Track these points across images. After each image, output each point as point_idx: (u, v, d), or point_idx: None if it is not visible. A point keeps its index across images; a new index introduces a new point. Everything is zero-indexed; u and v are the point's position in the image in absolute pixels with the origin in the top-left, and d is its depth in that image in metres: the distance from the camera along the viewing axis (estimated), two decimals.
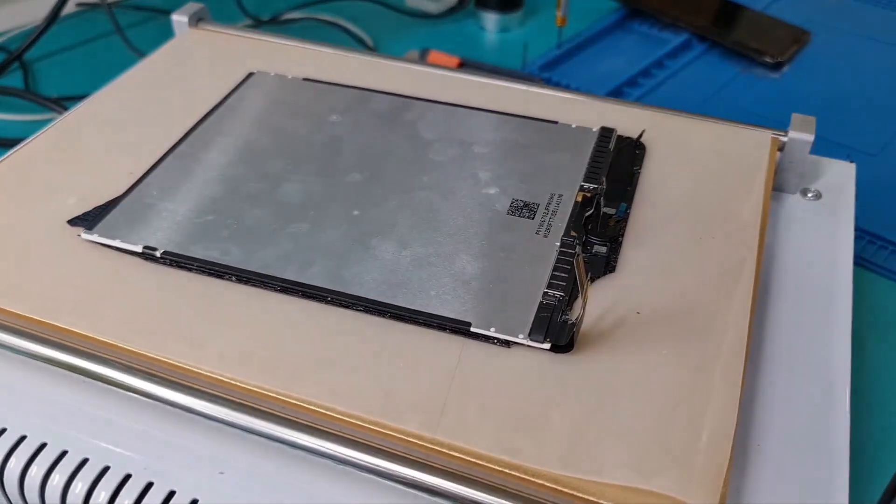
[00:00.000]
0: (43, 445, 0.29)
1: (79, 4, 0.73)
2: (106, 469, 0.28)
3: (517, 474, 0.25)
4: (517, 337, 0.29)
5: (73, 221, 0.34)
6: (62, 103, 0.59)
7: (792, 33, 0.67)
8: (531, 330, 0.29)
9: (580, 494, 0.25)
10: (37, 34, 0.63)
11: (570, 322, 0.29)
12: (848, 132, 0.56)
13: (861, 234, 0.48)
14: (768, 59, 0.64)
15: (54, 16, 0.63)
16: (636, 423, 0.27)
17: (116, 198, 0.35)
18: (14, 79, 0.64)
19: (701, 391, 0.28)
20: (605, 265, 0.32)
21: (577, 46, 0.66)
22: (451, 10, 0.73)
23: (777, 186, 0.39)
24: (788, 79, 0.63)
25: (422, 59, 0.64)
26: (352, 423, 0.27)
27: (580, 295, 0.28)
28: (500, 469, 0.25)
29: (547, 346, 0.29)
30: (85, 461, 0.28)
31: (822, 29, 0.68)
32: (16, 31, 0.70)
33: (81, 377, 0.29)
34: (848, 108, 0.59)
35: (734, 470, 0.27)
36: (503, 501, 0.25)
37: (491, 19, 0.71)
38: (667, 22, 0.69)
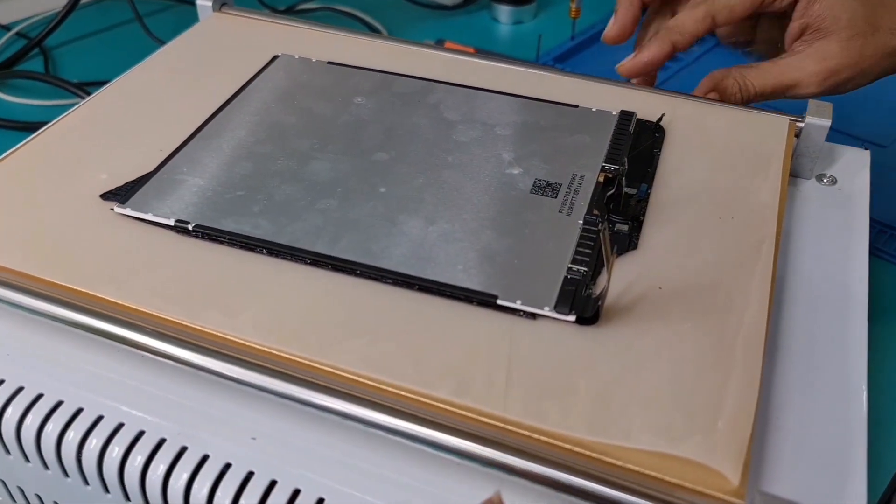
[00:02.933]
0: (79, 411, 0.29)
1: None
2: (141, 434, 0.29)
3: (545, 439, 0.26)
4: (543, 309, 0.30)
5: (106, 196, 0.35)
6: (84, 88, 0.59)
7: None
8: (557, 303, 0.30)
9: (607, 459, 0.25)
10: (57, 21, 0.64)
11: (594, 296, 0.30)
12: (860, 124, 0.57)
13: (873, 223, 0.48)
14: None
15: (74, 3, 0.64)
16: (660, 391, 0.27)
17: (147, 174, 0.36)
18: (34, 65, 0.65)
19: (723, 362, 0.28)
20: (627, 243, 0.33)
21: (590, 38, 0.66)
22: (466, 2, 0.74)
23: (793, 172, 0.40)
24: None
25: None
26: (383, 389, 0.27)
27: (606, 267, 0.29)
28: (529, 434, 0.26)
29: (572, 318, 0.29)
30: (120, 426, 0.29)
31: None
32: (37, 18, 0.71)
33: (117, 344, 0.30)
34: (860, 99, 0.59)
35: (755, 442, 0.28)
36: (531, 464, 0.25)
37: (505, 11, 0.72)
38: None
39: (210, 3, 0.48)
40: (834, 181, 0.40)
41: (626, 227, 0.34)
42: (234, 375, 0.28)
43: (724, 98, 0.42)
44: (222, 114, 0.39)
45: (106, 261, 0.32)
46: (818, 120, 0.39)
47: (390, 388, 0.27)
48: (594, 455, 0.26)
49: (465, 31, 0.71)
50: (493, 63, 0.45)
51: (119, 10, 0.71)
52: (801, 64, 0.41)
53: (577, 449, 0.26)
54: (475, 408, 0.27)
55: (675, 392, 0.27)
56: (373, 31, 0.70)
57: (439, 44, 0.65)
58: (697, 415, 0.27)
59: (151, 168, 0.36)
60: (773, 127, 0.40)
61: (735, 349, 0.29)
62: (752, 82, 0.41)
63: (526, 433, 0.26)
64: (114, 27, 0.71)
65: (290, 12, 0.73)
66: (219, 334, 0.29)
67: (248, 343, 0.29)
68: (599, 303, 0.29)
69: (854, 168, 0.41)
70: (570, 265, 0.31)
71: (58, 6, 0.64)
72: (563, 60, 0.64)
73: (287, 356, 0.29)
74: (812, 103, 0.40)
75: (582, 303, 0.30)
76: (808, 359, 0.31)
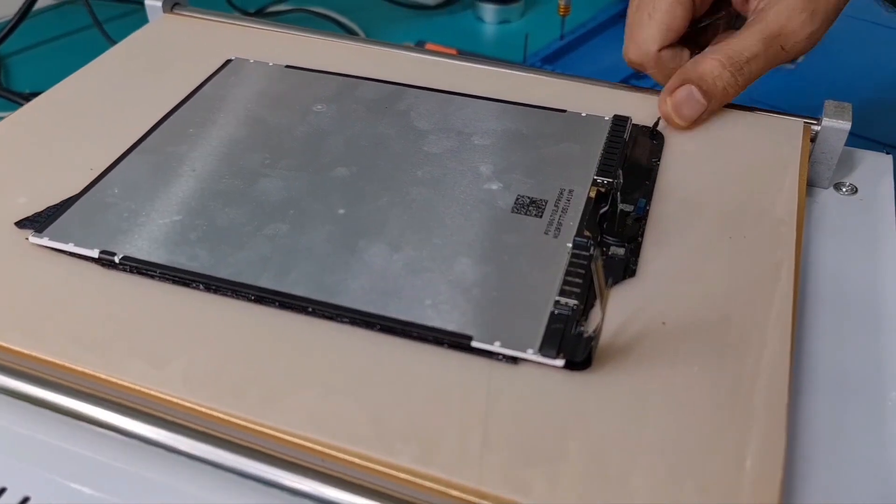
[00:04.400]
0: None
1: None
2: None
3: None
4: (526, 352, 0.25)
5: (22, 223, 0.30)
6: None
7: None
8: (542, 344, 0.25)
9: None
10: (8, 28, 0.59)
11: (586, 335, 0.25)
12: (878, 125, 0.52)
13: None
14: None
15: (27, 9, 0.60)
16: (667, 453, 0.23)
17: (72, 196, 0.31)
18: None
19: (741, 414, 0.24)
20: (624, 269, 0.29)
21: (580, 37, 0.63)
22: (448, 1, 0.70)
23: (808, 181, 0.35)
24: (803, 69, 0.59)
25: None
26: (334, 455, 0.23)
27: (598, 303, 0.25)
28: None
29: (560, 362, 0.25)
30: (26, 500, 0.24)
31: None
32: None
33: (24, 403, 0.25)
34: (868, 99, 0.55)
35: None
36: None
37: (489, 10, 0.68)
38: None
39: (160, 3, 0.43)
40: (854, 190, 0.36)
41: (622, 251, 0.29)
42: (161, 440, 0.24)
43: (707, 90, 0.35)
44: (163, 126, 0.35)
45: (14, 302, 0.27)
46: (836, 122, 0.35)
47: (342, 455, 0.23)
48: None
49: (448, 31, 0.67)
50: (471, 64, 0.40)
51: (77, 16, 0.67)
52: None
53: None
54: (443, 479, 0.22)
55: (685, 455, 0.23)
56: (349, 33, 0.66)
57: (419, 46, 0.61)
58: (713, 481, 0.22)
59: (79, 190, 0.32)
60: (785, 131, 0.35)
61: (754, 396, 0.24)
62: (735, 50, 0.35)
63: None
64: (72, 33, 0.66)
65: (261, 15, 0.68)
66: (142, 389, 0.25)
67: (175, 399, 0.24)
68: (592, 343, 0.25)
69: (875, 174, 0.37)
70: (557, 298, 0.27)
71: (11, 13, 0.60)
72: (551, 61, 0.60)
73: (223, 416, 0.24)
74: (829, 104, 0.35)
75: (572, 344, 0.25)
76: (838, 397, 0.27)
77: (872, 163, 0.37)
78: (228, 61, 0.40)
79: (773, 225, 0.30)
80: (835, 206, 0.35)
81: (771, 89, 0.57)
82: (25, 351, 0.26)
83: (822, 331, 0.29)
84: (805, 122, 0.36)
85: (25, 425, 0.26)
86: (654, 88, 0.39)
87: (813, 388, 0.27)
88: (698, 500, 0.22)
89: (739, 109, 0.37)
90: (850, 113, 0.35)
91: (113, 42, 0.62)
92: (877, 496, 0.24)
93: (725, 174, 0.33)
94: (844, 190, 0.36)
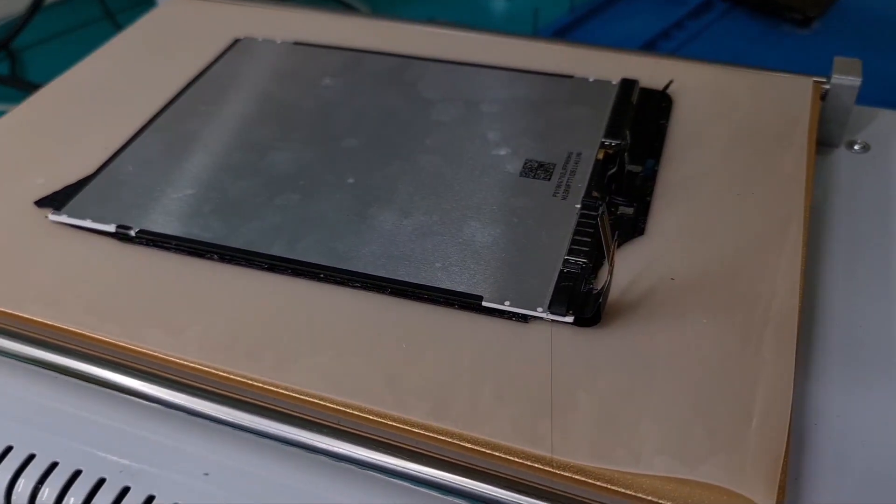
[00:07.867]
0: (8, 449, 0.26)
1: None
2: (77, 473, 0.25)
3: (541, 466, 0.22)
4: (536, 310, 0.25)
5: (41, 202, 0.31)
6: None
7: None
8: (551, 302, 0.25)
9: (615, 488, 0.21)
10: (22, 22, 0.60)
11: (595, 291, 0.26)
12: (891, 82, 0.52)
13: None
14: (797, 16, 0.60)
15: (38, 2, 0.60)
16: (676, 403, 0.23)
17: (88, 175, 0.32)
18: (1, 68, 0.62)
19: (749, 365, 0.24)
20: (633, 227, 0.29)
21: (590, 10, 0.63)
22: None
23: (820, 139, 0.35)
24: (819, 36, 0.59)
25: None
26: (350, 413, 0.23)
27: (606, 260, 0.25)
28: (522, 461, 0.22)
29: (570, 319, 0.25)
30: (54, 465, 0.25)
31: None
32: (2, 21, 0.67)
33: (48, 371, 0.26)
34: (884, 59, 0.55)
35: (791, 455, 0.23)
36: (526, 498, 0.21)
37: None
38: None
39: None
40: (866, 147, 0.36)
41: (630, 210, 0.29)
42: (180, 403, 0.25)
43: None
44: (175, 105, 0.35)
45: (36, 276, 0.28)
46: (846, 79, 0.34)
47: (358, 412, 0.23)
48: (599, 483, 0.21)
49: (457, 8, 0.67)
50: (477, 35, 0.40)
51: (90, 7, 0.68)
52: None
53: (578, 477, 0.22)
54: (456, 431, 0.23)
55: (693, 403, 0.23)
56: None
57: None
58: (720, 429, 0.22)
59: (94, 169, 0.32)
60: (794, 89, 0.35)
61: (762, 347, 0.25)
62: None
63: (518, 460, 0.22)
64: (85, 25, 0.67)
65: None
66: (162, 355, 0.25)
67: (193, 364, 0.25)
68: (601, 300, 0.25)
69: (887, 132, 0.36)
70: (566, 257, 0.27)
71: (20, 9, 0.61)
72: (561, 34, 0.60)
73: (240, 378, 0.25)
74: (839, 60, 0.35)
75: (581, 301, 0.26)
76: (848, 351, 0.26)
77: (885, 120, 0.37)
78: (237, 40, 0.40)
79: (782, 181, 0.30)
80: (847, 164, 0.35)
81: (785, 53, 0.57)
82: (47, 321, 0.26)
83: (831, 283, 0.29)
84: (815, 81, 0.35)
85: (48, 393, 0.26)
86: (663, 54, 0.39)
87: (822, 339, 0.27)
88: (707, 444, 0.22)
89: (748, 69, 0.37)
90: (860, 69, 0.35)
91: None
92: (886, 438, 0.24)
93: (734, 134, 0.33)
94: (857, 147, 0.36)
